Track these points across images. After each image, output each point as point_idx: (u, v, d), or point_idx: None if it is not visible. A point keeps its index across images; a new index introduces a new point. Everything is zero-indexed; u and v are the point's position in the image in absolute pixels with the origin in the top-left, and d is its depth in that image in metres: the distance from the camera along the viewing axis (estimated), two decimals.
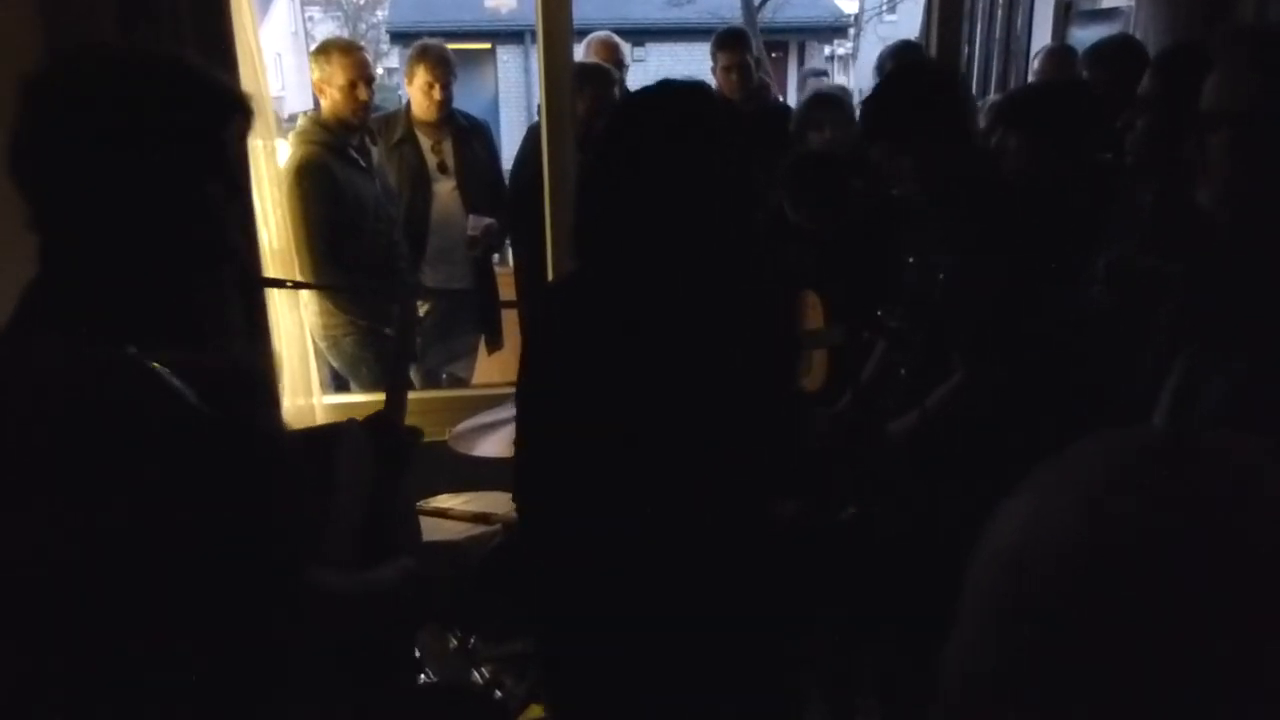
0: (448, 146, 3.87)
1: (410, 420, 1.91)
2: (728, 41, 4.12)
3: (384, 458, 1.65)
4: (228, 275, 1.36)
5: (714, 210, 1.60)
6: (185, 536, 0.55)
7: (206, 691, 0.57)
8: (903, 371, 2.42)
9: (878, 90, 2.45)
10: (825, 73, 6.52)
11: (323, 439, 1.49)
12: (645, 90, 1.70)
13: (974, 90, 4.77)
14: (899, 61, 3.36)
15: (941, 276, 2.29)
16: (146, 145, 1.15)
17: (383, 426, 1.72)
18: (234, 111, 1.24)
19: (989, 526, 0.59)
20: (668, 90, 1.67)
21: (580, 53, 4.08)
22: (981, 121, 3.34)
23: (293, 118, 4.67)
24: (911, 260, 2.42)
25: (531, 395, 1.70)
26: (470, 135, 3.94)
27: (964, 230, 2.25)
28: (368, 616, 1.37)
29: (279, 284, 2.80)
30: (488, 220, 3.77)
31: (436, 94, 3.76)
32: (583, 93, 3.55)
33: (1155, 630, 0.50)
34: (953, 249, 2.27)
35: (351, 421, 1.62)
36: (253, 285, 2.51)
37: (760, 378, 1.69)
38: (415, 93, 3.80)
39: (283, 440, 0.65)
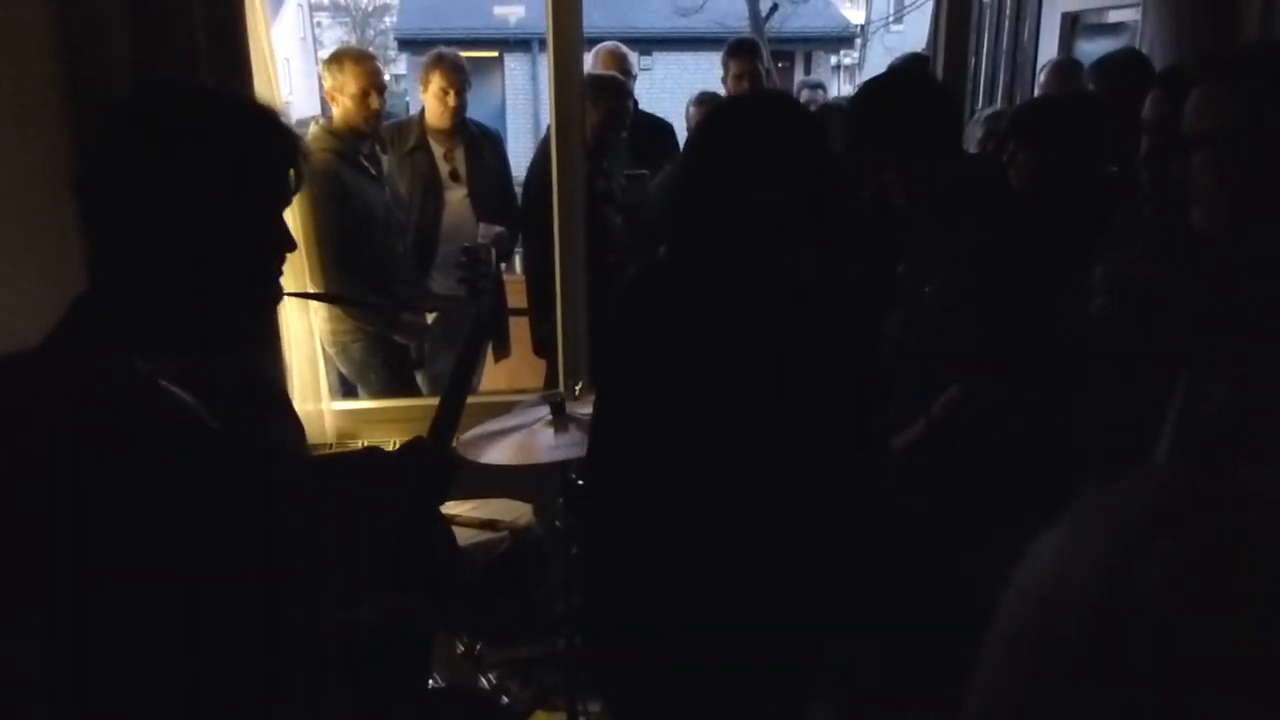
0: (460, 154, 3.90)
1: (418, 427, 1.90)
2: (740, 50, 4.18)
3: (422, 483, 1.61)
4: (269, 300, 1.38)
5: (804, 211, 1.65)
6: (188, 556, 0.55)
7: (207, 708, 0.57)
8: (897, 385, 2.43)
9: (857, 100, 2.46)
10: (822, 84, 6.52)
11: (343, 468, 1.48)
12: (746, 95, 1.78)
13: (982, 101, 4.77)
14: (879, 75, 3.36)
15: (927, 289, 2.30)
16: (213, 179, 1.18)
17: (425, 452, 1.67)
18: (294, 157, 1.27)
19: (1024, 558, 0.58)
20: (770, 96, 1.75)
21: (588, 63, 4.10)
22: (977, 131, 3.36)
23: (301, 123, 4.69)
24: (903, 269, 2.43)
25: (610, 374, 1.75)
26: (481, 143, 3.97)
27: (955, 242, 2.26)
28: (348, 648, 1.36)
29: (333, 299, 2.76)
30: (498, 229, 3.79)
31: (451, 100, 3.79)
32: (596, 104, 3.58)
33: (1185, 679, 0.50)
34: (944, 260, 2.28)
35: (375, 449, 1.60)
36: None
37: (838, 380, 1.73)
38: (430, 99, 3.82)
39: (298, 457, 0.64)
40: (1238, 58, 1.64)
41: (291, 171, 1.28)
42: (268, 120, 1.25)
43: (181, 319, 1.19)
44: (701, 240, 1.70)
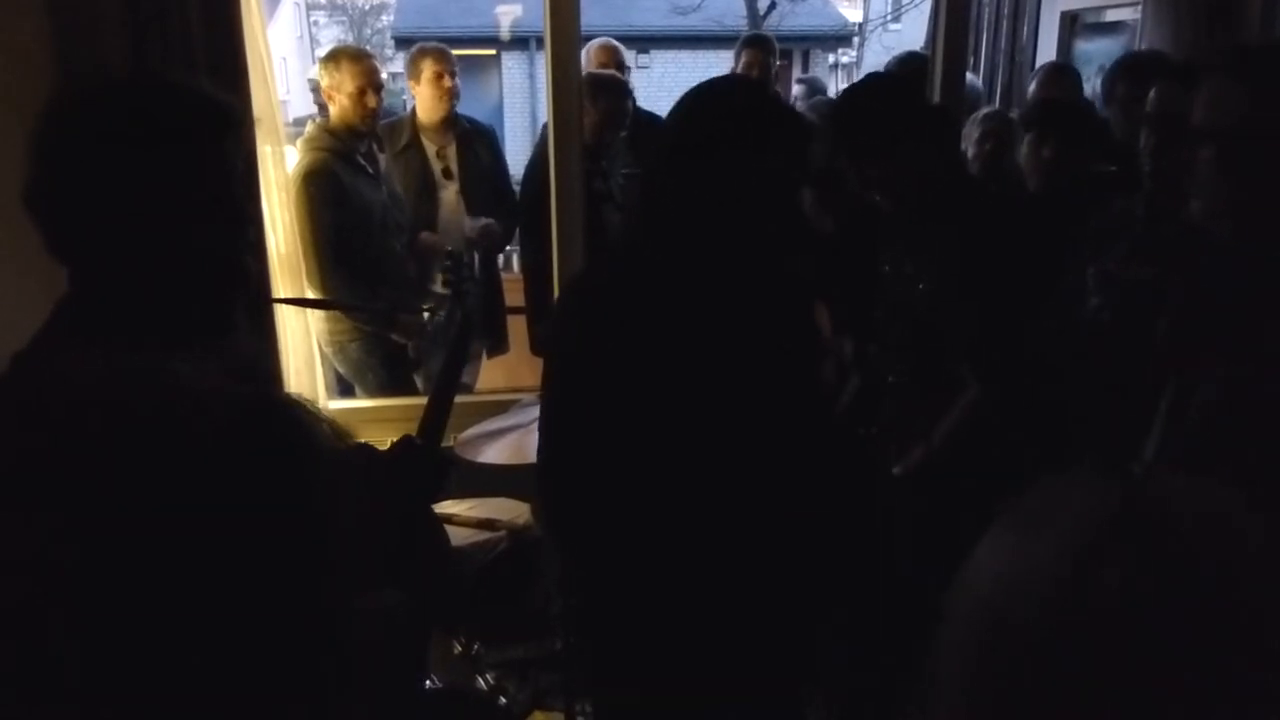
0: (452, 151, 3.88)
1: (415, 426, 1.88)
2: (754, 42, 4.31)
3: (415, 482, 1.59)
4: (239, 281, 1.37)
5: (769, 205, 1.64)
6: (249, 552, 0.54)
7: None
8: (891, 379, 2.43)
9: (839, 102, 2.47)
10: (816, 79, 6.55)
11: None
12: (713, 83, 1.72)
13: (982, 101, 4.77)
14: (866, 76, 3.38)
15: (921, 287, 2.30)
16: (150, 168, 1.18)
17: (417, 450, 1.64)
18: (228, 125, 1.26)
19: (966, 566, 0.60)
20: (735, 84, 1.71)
21: (581, 58, 4.11)
22: (974, 131, 3.35)
23: (298, 122, 4.68)
24: (888, 268, 2.44)
25: (566, 379, 1.72)
26: (474, 140, 3.95)
27: (947, 240, 2.26)
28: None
29: (322, 305, 2.73)
30: (485, 221, 3.77)
31: (446, 82, 3.77)
32: (595, 103, 3.57)
33: (1130, 683, 0.52)
34: (936, 259, 2.28)
35: (367, 446, 1.58)
36: (259, 292, 2.49)
37: (793, 371, 1.72)
38: (425, 89, 3.80)
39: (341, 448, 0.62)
40: (1250, 55, 1.64)
41: (227, 137, 1.27)
42: (186, 95, 1.24)
43: (162, 308, 1.19)
44: (669, 228, 1.67)
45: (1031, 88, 3.85)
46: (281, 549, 0.55)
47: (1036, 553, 0.57)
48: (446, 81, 3.78)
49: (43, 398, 0.53)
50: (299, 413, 0.60)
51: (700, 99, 1.68)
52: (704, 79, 1.75)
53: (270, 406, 0.58)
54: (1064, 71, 3.92)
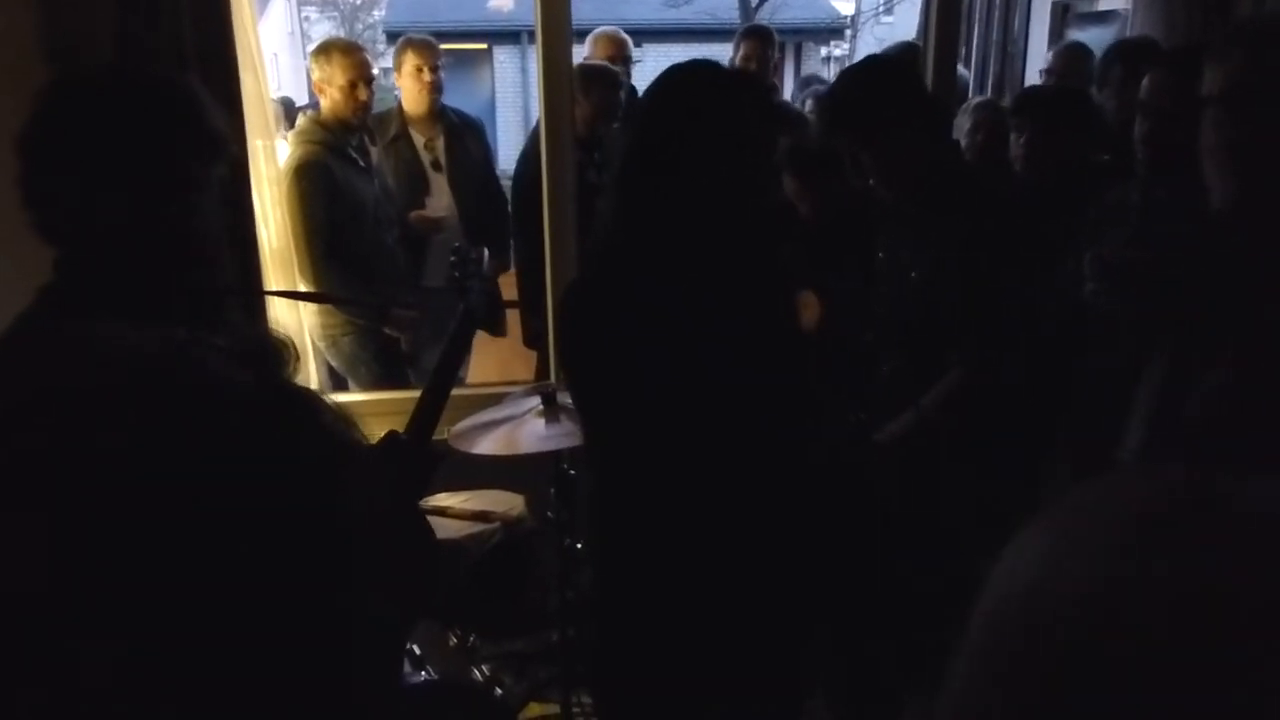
0: (440, 144, 3.88)
1: (406, 420, 1.87)
2: (754, 33, 4.30)
3: (400, 478, 1.59)
4: (223, 277, 1.39)
5: (751, 187, 1.63)
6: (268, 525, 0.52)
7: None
8: (885, 367, 2.43)
9: (834, 86, 2.46)
10: (818, 77, 6.54)
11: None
12: (682, 68, 1.71)
13: (972, 91, 4.76)
14: (859, 61, 3.38)
15: (913, 275, 2.30)
16: (131, 153, 1.19)
17: (403, 447, 1.64)
18: (219, 155, 1.29)
19: (997, 566, 0.57)
20: (707, 68, 1.70)
21: (586, 49, 4.09)
22: (966, 121, 3.35)
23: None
24: (882, 255, 2.43)
25: (586, 386, 1.75)
26: (463, 132, 3.95)
27: (937, 229, 2.25)
28: None
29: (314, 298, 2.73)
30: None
31: (426, 76, 3.78)
32: (588, 95, 3.56)
33: (1171, 685, 0.49)
34: (927, 246, 2.28)
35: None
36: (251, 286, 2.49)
37: (777, 360, 1.72)
38: (406, 81, 3.81)
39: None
40: (1255, 26, 1.63)
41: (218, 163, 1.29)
42: (174, 90, 1.29)
43: (150, 284, 1.20)
44: (645, 223, 1.67)
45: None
46: (313, 538, 0.53)
47: (1074, 547, 0.54)
48: (427, 76, 3.78)
49: (64, 367, 0.51)
50: (317, 401, 0.58)
51: (668, 88, 1.69)
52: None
53: (296, 396, 0.57)
54: (1070, 52, 3.91)
